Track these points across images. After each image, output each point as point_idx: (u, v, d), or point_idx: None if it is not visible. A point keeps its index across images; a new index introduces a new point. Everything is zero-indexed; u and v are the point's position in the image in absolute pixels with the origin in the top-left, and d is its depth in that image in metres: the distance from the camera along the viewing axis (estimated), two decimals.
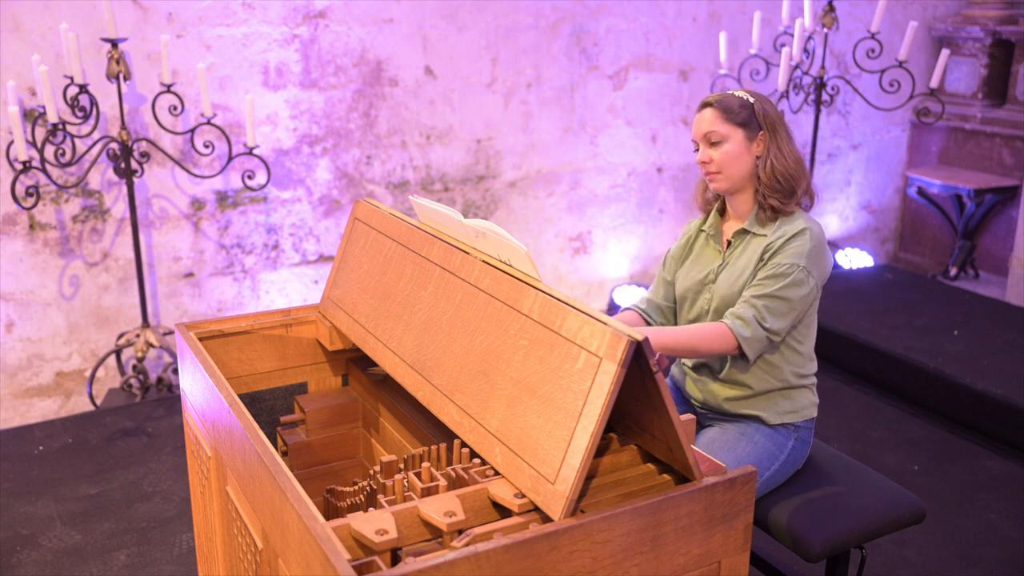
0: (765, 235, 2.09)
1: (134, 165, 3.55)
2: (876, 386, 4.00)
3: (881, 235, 5.95)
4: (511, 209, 4.65)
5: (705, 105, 2.12)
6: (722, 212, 2.23)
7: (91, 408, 3.80)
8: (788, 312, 2.01)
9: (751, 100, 2.09)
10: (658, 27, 4.79)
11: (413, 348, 1.85)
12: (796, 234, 2.04)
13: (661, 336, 1.98)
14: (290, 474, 1.46)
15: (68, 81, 3.42)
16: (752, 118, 2.08)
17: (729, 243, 2.17)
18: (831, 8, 4.59)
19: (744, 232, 2.14)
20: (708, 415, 2.22)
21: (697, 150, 2.14)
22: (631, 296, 4.84)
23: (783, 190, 2.08)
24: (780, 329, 2.01)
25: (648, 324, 2.30)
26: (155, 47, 3.70)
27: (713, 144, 2.09)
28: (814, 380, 2.19)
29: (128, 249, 3.83)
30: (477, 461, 1.57)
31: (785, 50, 4.38)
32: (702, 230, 2.26)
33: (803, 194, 2.12)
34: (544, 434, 1.43)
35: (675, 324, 2.32)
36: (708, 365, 2.18)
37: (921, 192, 5.65)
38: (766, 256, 2.06)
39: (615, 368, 1.35)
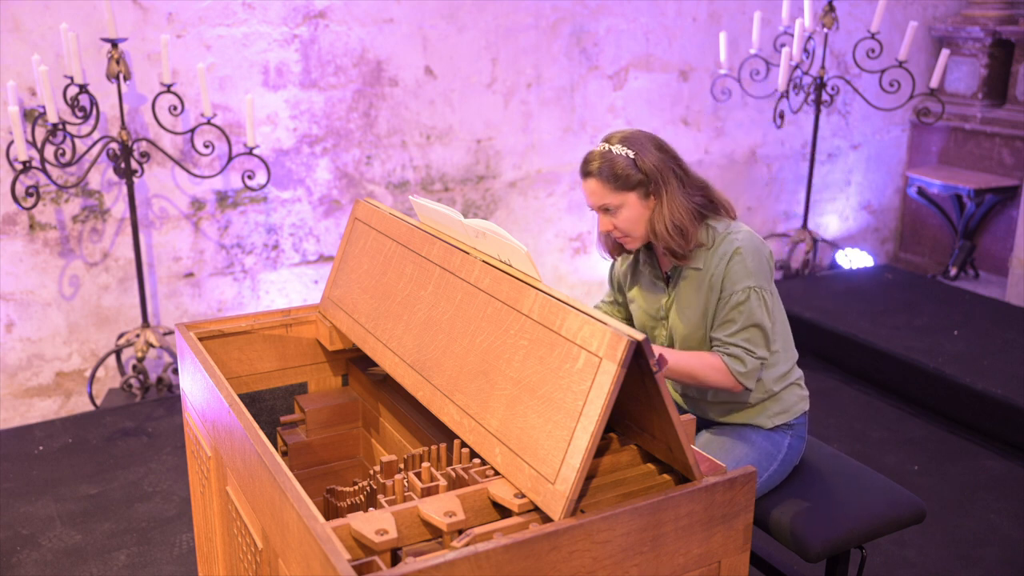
0: (699, 268, 2.05)
1: (134, 165, 3.55)
2: (876, 386, 4.00)
3: (881, 235, 5.95)
4: (511, 209, 4.65)
5: (587, 174, 2.03)
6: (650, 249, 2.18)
7: (91, 408, 3.80)
8: (765, 335, 2.01)
9: (632, 156, 2.00)
10: (658, 27, 4.79)
11: (413, 348, 1.85)
12: (730, 258, 2.01)
13: (667, 356, 1.99)
14: (290, 474, 1.46)
15: (68, 81, 3.42)
16: (639, 176, 2.00)
17: (668, 276, 2.14)
18: (831, 8, 4.59)
19: (678, 269, 2.10)
20: (702, 422, 2.23)
21: (597, 211, 2.07)
22: None
23: (677, 242, 2.01)
24: (765, 353, 2.02)
25: None
26: (155, 47, 3.70)
27: (611, 213, 2.04)
28: (798, 375, 2.18)
29: (128, 249, 3.83)
30: (477, 461, 1.57)
31: (785, 50, 4.38)
32: (639, 261, 2.21)
33: (702, 227, 2.04)
34: (544, 434, 1.43)
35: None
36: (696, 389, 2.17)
37: (921, 192, 5.65)
38: (711, 293, 2.02)
39: (615, 368, 1.35)
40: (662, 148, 2.05)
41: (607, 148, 2.03)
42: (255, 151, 3.70)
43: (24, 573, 2.69)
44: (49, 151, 3.44)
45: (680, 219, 2.00)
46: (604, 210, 2.04)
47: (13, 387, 3.76)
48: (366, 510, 1.55)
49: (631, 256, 2.24)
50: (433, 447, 1.66)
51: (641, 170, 2.00)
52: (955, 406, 3.65)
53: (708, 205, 2.07)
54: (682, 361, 2.00)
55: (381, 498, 1.52)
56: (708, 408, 2.17)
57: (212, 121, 3.59)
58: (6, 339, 3.71)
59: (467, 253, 1.79)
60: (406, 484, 1.56)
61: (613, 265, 2.30)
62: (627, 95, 4.80)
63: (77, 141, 3.51)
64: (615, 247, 2.18)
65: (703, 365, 2.00)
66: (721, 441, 2.11)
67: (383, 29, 4.12)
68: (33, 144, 3.42)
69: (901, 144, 5.85)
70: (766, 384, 2.10)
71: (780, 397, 2.13)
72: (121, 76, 3.41)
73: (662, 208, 2.01)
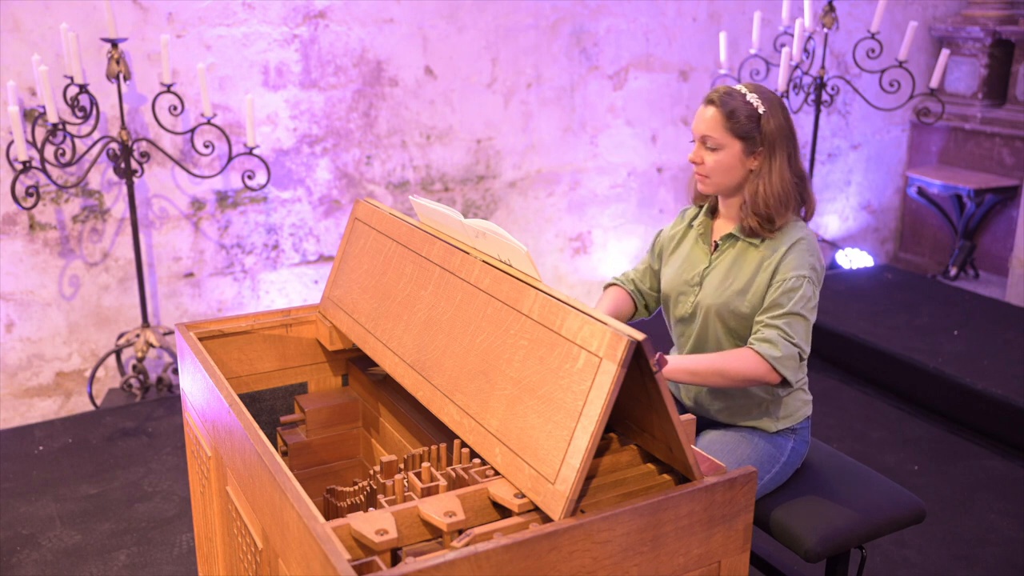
0: (756, 245, 2.03)
1: (134, 165, 3.55)
2: (876, 386, 4.00)
3: (881, 235, 5.95)
4: (511, 209, 4.65)
5: (711, 101, 2.01)
6: (713, 211, 2.17)
7: (91, 408, 3.80)
8: (807, 325, 1.96)
9: (760, 110, 1.98)
10: (658, 27, 4.79)
11: (413, 348, 1.85)
12: (792, 245, 1.99)
13: (687, 363, 1.91)
14: (290, 474, 1.46)
15: (68, 81, 3.42)
16: (755, 132, 1.98)
17: (716, 245, 2.11)
18: (831, 8, 4.59)
19: (733, 237, 2.08)
20: (705, 423, 2.22)
21: (693, 142, 2.08)
22: None
23: (763, 215, 1.99)
24: (804, 342, 1.96)
25: (633, 301, 2.27)
26: (155, 47, 3.70)
27: (708, 148, 2.03)
28: (805, 380, 2.16)
29: (128, 249, 3.83)
30: (477, 461, 1.57)
31: (785, 50, 4.38)
32: (691, 226, 2.19)
33: (791, 214, 2.03)
34: (544, 434, 1.43)
35: (653, 311, 2.30)
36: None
37: (921, 192, 5.65)
38: (762, 274, 1.99)
39: (615, 368, 1.35)
40: (788, 120, 2.03)
41: (743, 91, 2.00)
42: (255, 151, 3.70)
43: (24, 573, 2.69)
44: (49, 151, 3.44)
45: (778, 191, 1.98)
46: (703, 142, 2.02)
47: (13, 387, 3.76)
48: (366, 510, 1.55)
49: (686, 220, 2.21)
50: (433, 447, 1.66)
51: (761, 128, 1.98)
52: (955, 406, 3.65)
53: (801, 194, 2.05)
54: (704, 361, 1.92)
55: (381, 498, 1.52)
56: (714, 411, 2.15)
57: (212, 121, 3.59)
58: (6, 339, 3.71)
59: (467, 253, 1.79)
60: (406, 484, 1.56)
61: (661, 231, 2.27)
62: (627, 95, 4.80)
63: (77, 141, 3.51)
64: (698, 195, 2.17)
65: (728, 358, 1.92)
66: (724, 442, 2.10)
67: (383, 29, 4.12)
68: (33, 144, 3.42)
69: (901, 144, 5.86)
70: (773, 389, 2.09)
71: (785, 402, 2.11)
72: (121, 76, 3.41)
73: (767, 175, 1.99)
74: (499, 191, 4.59)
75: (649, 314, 2.33)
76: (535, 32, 4.46)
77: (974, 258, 5.52)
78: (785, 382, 1.93)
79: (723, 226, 2.13)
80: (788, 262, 1.98)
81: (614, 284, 2.30)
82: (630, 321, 2.31)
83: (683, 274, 2.14)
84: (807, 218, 2.10)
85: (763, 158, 2.00)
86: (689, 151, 4.98)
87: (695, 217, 2.20)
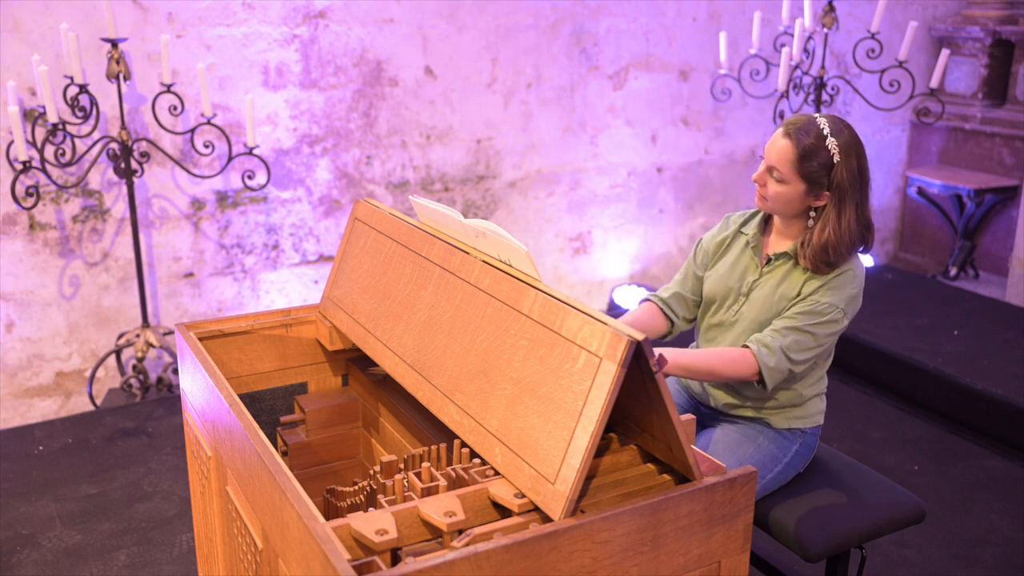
0: (808, 268, 2.00)
1: (134, 165, 3.55)
2: (876, 386, 4.00)
3: (881, 235, 5.95)
4: (511, 209, 4.65)
5: (787, 133, 1.95)
6: (765, 221, 2.13)
7: (91, 408, 3.80)
8: (814, 348, 1.97)
9: (836, 159, 1.92)
10: (658, 27, 4.79)
11: (413, 348, 1.85)
12: (841, 274, 1.97)
13: (681, 358, 1.93)
14: (290, 474, 1.46)
15: (68, 81, 3.42)
16: (823, 179, 1.94)
17: (769, 259, 2.08)
18: (831, 8, 4.59)
19: (787, 256, 2.04)
20: (713, 414, 2.22)
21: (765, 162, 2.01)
22: (631, 296, 4.83)
23: (824, 260, 1.96)
24: (802, 363, 1.97)
25: (667, 317, 2.22)
26: (155, 47, 3.70)
27: (774, 177, 1.97)
28: (824, 390, 2.17)
29: (128, 249, 3.83)
30: (477, 461, 1.57)
31: (785, 50, 4.38)
32: (743, 232, 2.15)
33: (851, 257, 2.00)
34: (544, 434, 1.43)
35: (697, 320, 2.24)
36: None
37: (921, 192, 5.65)
38: (805, 288, 1.98)
39: (615, 368, 1.35)
40: (862, 169, 1.97)
41: (824, 130, 1.94)
42: (255, 151, 3.70)
43: (24, 573, 2.69)
44: (49, 151, 3.44)
45: (842, 240, 1.95)
46: (769, 171, 1.98)
47: (13, 387, 3.76)
48: (366, 510, 1.55)
49: (731, 228, 2.17)
50: (433, 447, 1.66)
51: (831, 176, 1.94)
52: (955, 406, 3.65)
53: (865, 240, 2.01)
54: (702, 358, 1.94)
55: (381, 498, 1.52)
56: (722, 396, 2.13)
57: (212, 121, 3.59)
58: (6, 339, 3.71)
59: (467, 253, 1.79)
60: (406, 484, 1.56)
61: (702, 239, 2.23)
62: (627, 95, 4.80)
63: (77, 141, 3.51)
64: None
65: (723, 360, 1.94)
66: (726, 441, 2.10)
67: (383, 29, 4.12)
68: (33, 144, 3.42)
69: (901, 144, 5.86)
70: (798, 395, 2.09)
71: (804, 405, 2.12)
72: (121, 76, 3.41)
73: (834, 222, 1.94)
74: (499, 191, 4.59)
75: (690, 325, 2.27)
76: (535, 32, 4.46)
77: (974, 258, 5.52)
78: (761, 384, 1.97)
79: (778, 242, 2.09)
80: (831, 288, 1.96)
81: (648, 300, 2.26)
82: (665, 339, 2.27)
83: (729, 280, 2.11)
84: (864, 251, 2.06)
85: (829, 203, 1.97)
86: (690, 151, 5.01)
87: (744, 224, 2.16)
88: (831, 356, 2.13)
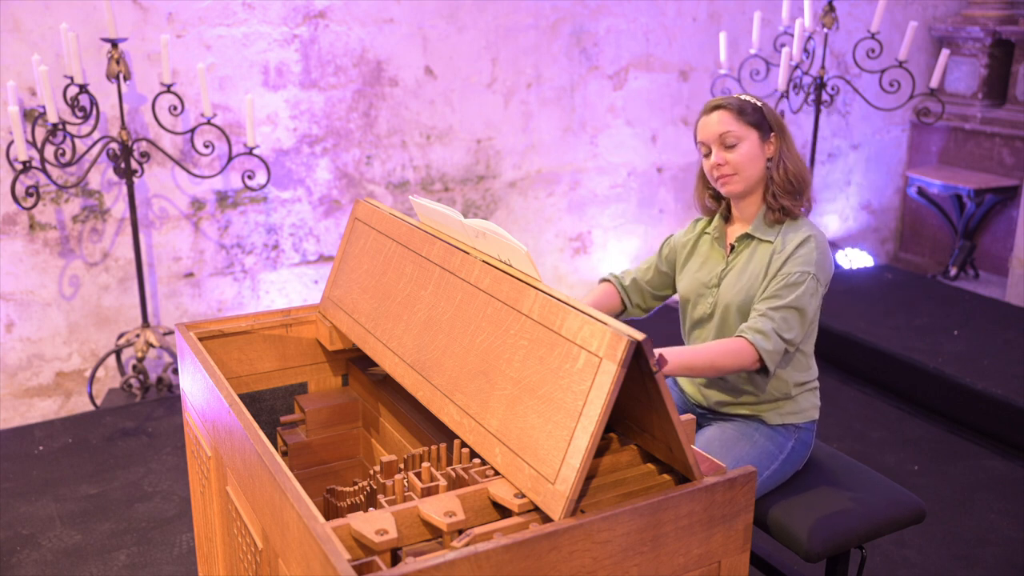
0: (770, 241, 2.09)
1: (134, 165, 3.55)
2: (876, 386, 4.00)
3: (881, 235, 5.95)
4: (511, 209, 4.65)
5: (715, 107, 2.10)
6: (726, 217, 2.22)
7: (91, 408, 3.80)
8: (802, 321, 2.00)
9: (758, 103, 2.11)
10: (658, 27, 4.79)
11: (413, 348, 1.85)
12: (803, 242, 2.05)
13: (681, 357, 1.93)
14: (290, 474, 1.46)
15: (68, 81, 3.42)
16: (763, 120, 2.09)
17: (732, 247, 2.16)
18: (831, 8, 4.59)
19: (749, 237, 2.13)
20: (707, 414, 2.23)
21: (707, 154, 2.11)
22: None
23: (794, 191, 2.09)
24: (796, 339, 2.00)
25: (623, 301, 2.32)
26: (155, 47, 3.70)
27: (728, 147, 2.08)
28: (816, 384, 2.19)
29: (128, 249, 3.83)
30: (477, 461, 1.57)
31: (785, 50, 4.38)
32: (706, 232, 2.25)
33: (807, 199, 2.13)
34: (544, 434, 1.43)
35: (650, 309, 2.35)
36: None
37: (921, 192, 5.65)
38: (772, 266, 2.05)
39: (615, 368, 1.35)
40: (781, 116, 2.17)
41: (736, 95, 2.14)
42: (255, 151, 3.70)
43: (24, 573, 2.69)
44: (49, 151, 3.44)
45: (798, 171, 2.10)
46: (723, 143, 2.08)
47: (13, 387, 3.76)
48: (366, 510, 1.55)
49: (697, 230, 2.27)
50: (433, 447, 1.66)
51: (766, 117, 2.10)
52: (955, 406, 3.65)
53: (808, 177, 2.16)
54: (700, 355, 1.95)
55: (381, 498, 1.52)
56: (716, 396, 2.15)
57: (212, 121, 3.59)
58: (6, 339, 3.71)
59: (467, 253, 1.79)
60: (406, 484, 1.56)
61: (671, 236, 2.33)
62: (627, 95, 4.80)
63: (77, 141, 3.51)
64: (711, 200, 2.24)
65: (722, 352, 1.96)
66: (722, 440, 2.11)
67: (383, 29, 4.12)
68: (33, 144, 3.42)
69: (901, 144, 5.86)
70: (788, 385, 2.11)
71: (796, 399, 2.13)
72: (121, 76, 3.41)
73: (787, 155, 2.10)
74: (499, 191, 4.59)
75: (643, 313, 2.36)
76: (535, 32, 4.46)
77: (974, 258, 5.52)
78: (763, 371, 1.99)
79: (738, 229, 2.19)
80: (797, 257, 2.03)
81: (607, 280, 2.35)
82: (625, 319, 2.33)
83: (700, 277, 2.19)
84: (809, 211, 2.16)
85: (777, 142, 2.10)
86: (690, 151, 5.00)
87: (708, 225, 2.26)
88: (814, 335, 2.15)
